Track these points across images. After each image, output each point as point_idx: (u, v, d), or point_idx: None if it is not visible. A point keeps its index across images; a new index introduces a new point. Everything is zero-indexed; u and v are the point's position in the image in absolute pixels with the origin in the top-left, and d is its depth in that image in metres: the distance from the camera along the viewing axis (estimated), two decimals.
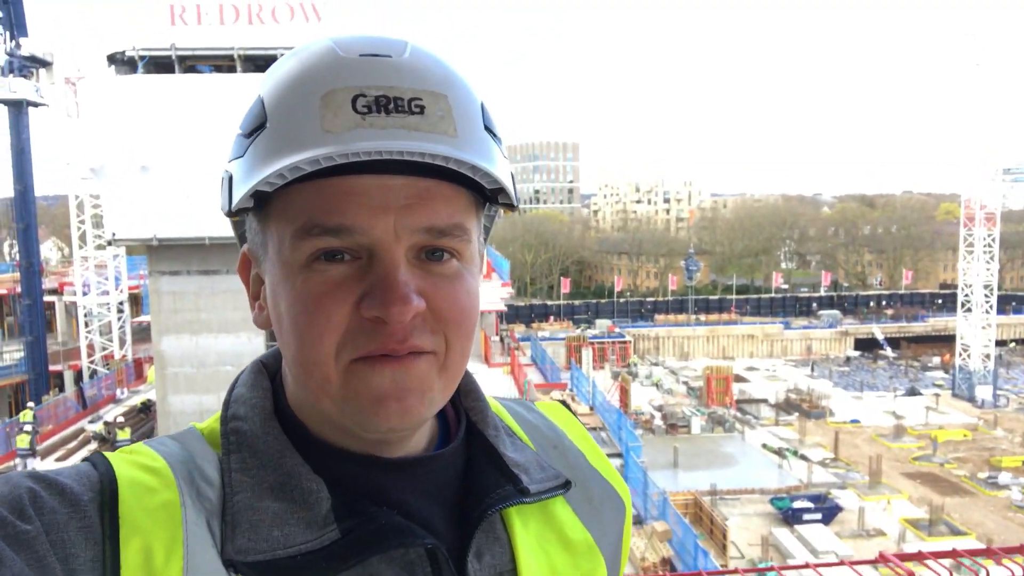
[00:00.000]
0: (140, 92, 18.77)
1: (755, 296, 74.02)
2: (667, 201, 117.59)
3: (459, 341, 0.72)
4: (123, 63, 19.30)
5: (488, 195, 0.74)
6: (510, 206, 0.76)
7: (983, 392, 45.41)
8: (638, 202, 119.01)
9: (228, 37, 19.17)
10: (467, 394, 0.86)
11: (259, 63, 19.74)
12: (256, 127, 0.69)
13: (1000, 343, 52.42)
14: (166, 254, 19.80)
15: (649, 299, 72.72)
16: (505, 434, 0.86)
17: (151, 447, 0.73)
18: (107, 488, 0.65)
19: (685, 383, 49.84)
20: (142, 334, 34.47)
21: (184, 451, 0.73)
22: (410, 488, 0.75)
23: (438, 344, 0.70)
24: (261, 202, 0.69)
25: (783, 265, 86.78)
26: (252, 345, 20.07)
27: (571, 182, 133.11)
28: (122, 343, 35.56)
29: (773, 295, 73.56)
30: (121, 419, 24.36)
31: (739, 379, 49.25)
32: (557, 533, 0.83)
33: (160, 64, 19.34)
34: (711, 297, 73.09)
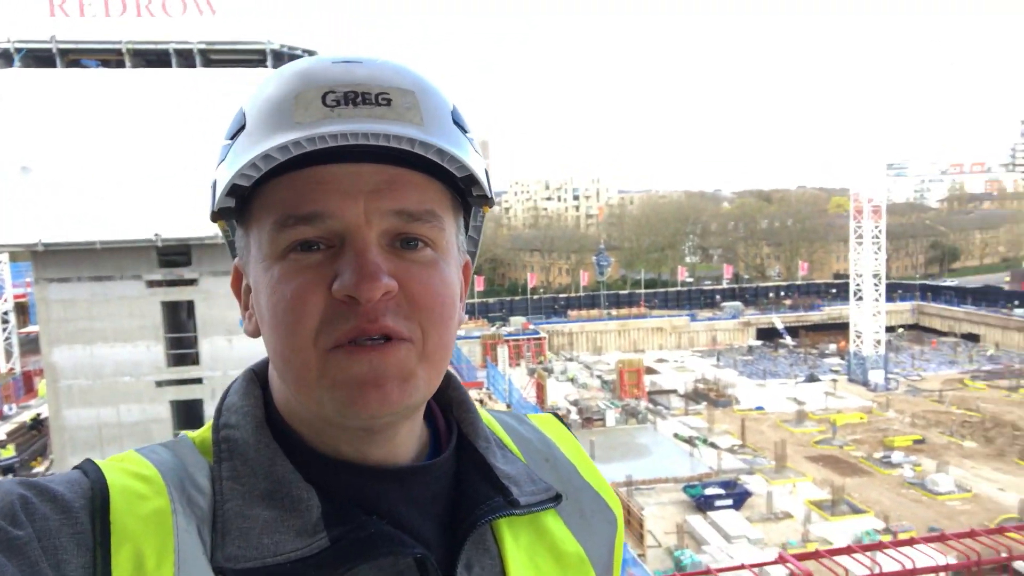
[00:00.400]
0: (18, 87, 17.42)
1: (662, 290, 76.00)
2: (576, 198, 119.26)
3: (435, 328, 0.71)
4: None
5: (461, 188, 0.74)
6: (486, 200, 0.77)
7: (876, 376, 48.09)
8: (548, 199, 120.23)
9: (115, 30, 18.01)
10: (458, 405, 0.87)
11: (150, 58, 18.69)
12: (236, 132, 0.72)
13: (889, 329, 55.64)
14: (53, 260, 18.51)
15: (562, 295, 73.56)
16: (496, 446, 0.86)
17: (142, 455, 0.73)
18: (98, 495, 0.66)
19: (599, 377, 50.65)
20: (31, 345, 32.29)
21: (175, 459, 0.73)
22: (400, 497, 0.75)
23: (413, 331, 0.70)
24: (242, 203, 0.72)
25: (687, 259, 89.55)
26: (151, 354, 19.04)
27: None
28: (8, 355, 33.20)
29: (679, 288, 75.73)
30: (2, 437, 22.68)
31: (650, 371, 50.46)
32: (548, 546, 0.83)
33: (40, 58, 18.03)
34: (621, 292, 74.59)
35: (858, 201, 52.01)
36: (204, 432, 0.77)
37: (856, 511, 29.13)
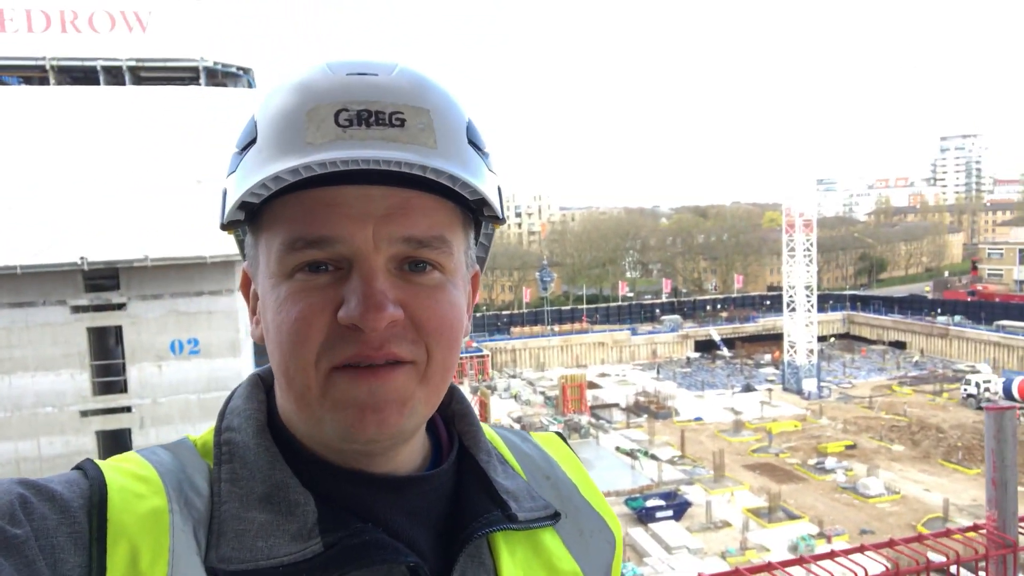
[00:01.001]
0: None
1: (604, 305, 76.92)
2: (519, 215, 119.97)
3: (440, 352, 0.71)
4: None
5: (473, 208, 0.74)
6: (497, 219, 0.77)
7: (809, 385, 49.56)
8: None
9: (39, 45, 17.48)
10: (461, 418, 0.87)
11: (76, 75, 18.19)
12: (248, 143, 0.72)
13: (821, 339, 57.48)
14: None
15: (505, 312, 73.75)
16: (497, 461, 0.86)
17: (142, 456, 0.73)
18: (96, 494, 0.66)
19: (542, 393, 50.86)
20: None
21: (175, 461, 0.74)
22: (397, 507, 0.75)
23: (418, 354, 0.70)
24: (252, 216, 0.72)
25: (628, 274, 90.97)
26: (76, 383, 18.37)
27: None
28: None
29: (620, 303, 76.83)
30: None
31: (592, 386, 50.93)
32: (545, 563, 0.83)
33: None
34: (564, 308, 75.24)
35: (790, 215, 53.77)
36: (206, 435, 0.78)
37: (792, 517, 29.88)
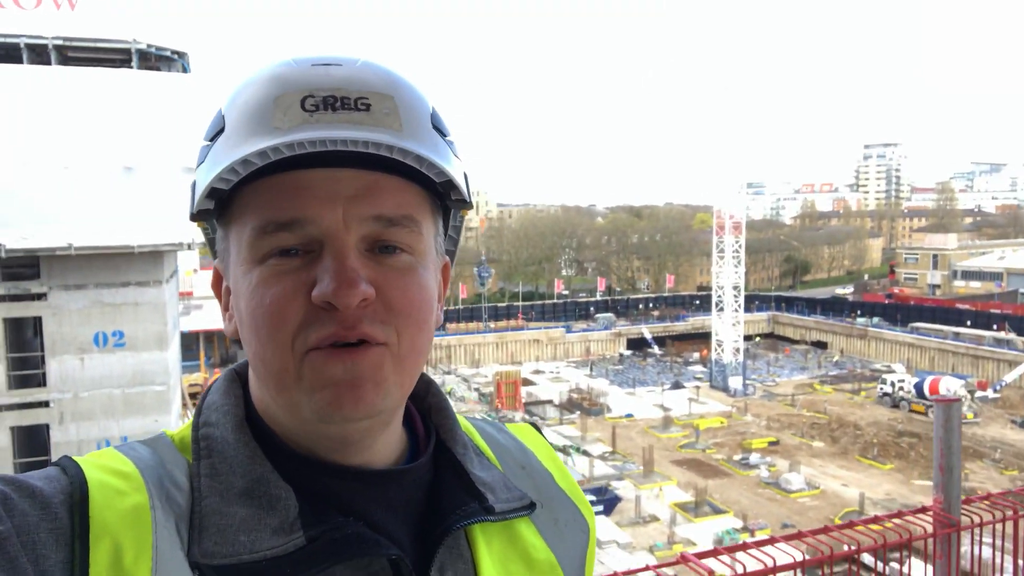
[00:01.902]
0: None
1: (540, 302, 77.48)
2: None
3: (409, 332, 0.72)
4: None
5: (440, 192, 0.75)
6: (465, 203, 0.78)
7: (735, 382, 51.06)
8: None
9: None
10: (437, 411, 0.87)
11: None
12: (216, 133, 0.73)
13: (747, 338, 59.21)
14: None
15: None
16: (473, 453, 0.86)
17: (120, 452, 0.73)
18: (77, 491, 0.66)
19: (477, 389, 50.95)
20: None
21: (154, 456, 0.73)
22: (377, 500, 0.75)
23: (390, 335, 0.71)
24: (221, 205, 0.72)
25: (564, 272, 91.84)
26: None
27: None
28: None
29: (556, 301, 77.51)
30: None
31: (527, 382, 51.30)
32: (521, 553, 0.84)
33: None
34: (500, 304, 75.43)
35: (720, 217, 55.18)
36: (184, 431, 0.78)
37: (717, 511, 30.79)
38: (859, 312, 69.75)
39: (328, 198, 0.69)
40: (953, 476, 2.36)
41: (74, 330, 18.10)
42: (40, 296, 17.94)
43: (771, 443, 39.64)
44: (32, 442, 18.33)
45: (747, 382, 51.86)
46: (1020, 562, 2.37)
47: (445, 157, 0.73)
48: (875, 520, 2.38)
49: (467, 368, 59.06)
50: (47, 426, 18.21)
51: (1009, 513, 2.38)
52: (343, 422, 0.71)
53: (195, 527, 0.69)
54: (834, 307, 72.99)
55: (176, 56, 19.16)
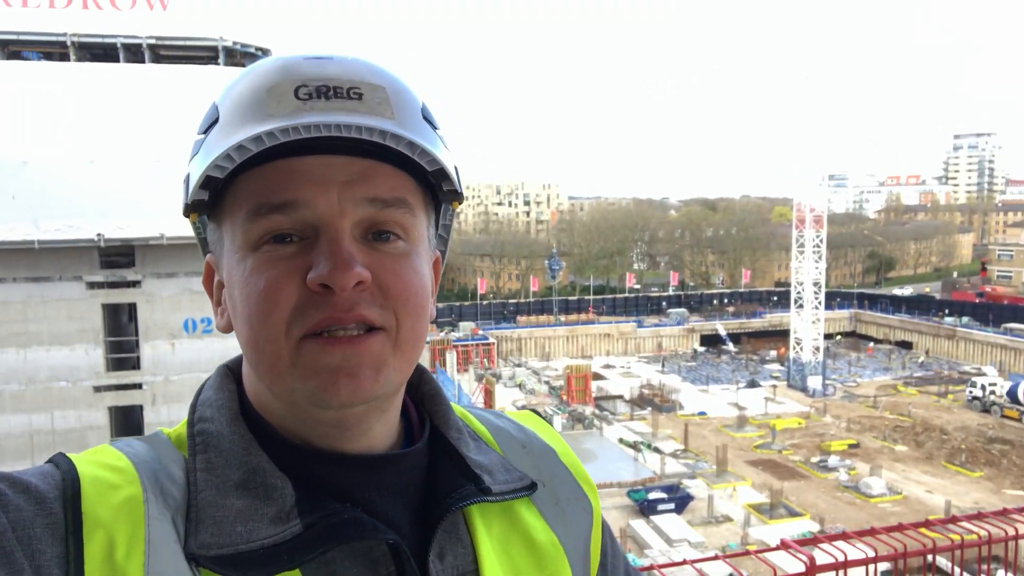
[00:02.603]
0: None
1: (611, 296, 76.94)
2: (527, 203, 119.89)
3: (408, 318, 0.72)
4: None
5: (432, 182, 0.76)
6: (456, 195, 0.78)
7: (814, 382, 49.53)
8: (499, 204, 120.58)
9: (60, 21, 17.55)
10: (431, 399, 0.87)
11: (96, 51, 18.25)
12: (210, 125, 0.73)
13: (827, 336, 57.38)
14: None
15: (512, 301, 73.85)
16: (469, 437, 0.86)
17: (116, 448, 0.73)
18: (70, 486, 0.66)
19: (547, 383, 51.00)
20: None
21: (150, 452, 0.74)
22: (374, 486, 0.75)
23: (387, 320, 0.71)
24: (216, 199, 0.72)
25: (635, 266, 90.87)
26: (90, 359, 18.55)
27: None
28: None
29: (627, 295, 76.81)
30: None
31: (597, 377, 51.02)
32: (522, 535, 0.84)
33: None
34: (570, 298, 75.25)
35: (800, 211, 53.50)
36: (180, 428, 0.79)
37: (793, 514, 29.98)
38: (947, 311, 66.68)
39: (322, 182, 0.69)
40: None
41: (165, 316, 18.95)
42: (135, 283, 18.86)
43: (851, 446, 38.35)
44: (128, 422, 19.31)
45: (827, 382, 50.26)
46: None
47: (436, 146, 0.73)
48: (952, 520, 2.26)
49: (537, 361, 59.16)
50: (141, 407, 19.14)
51: None
52: (339, 408, 0.71)
53: (192, 520, 0.69)
54: (920, 306, 70.00)
55: (260, 52, 19.77)
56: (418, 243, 0.75)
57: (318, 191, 0.69)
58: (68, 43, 17.62)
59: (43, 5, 17.53)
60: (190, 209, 0.74)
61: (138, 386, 19.10)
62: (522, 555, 0.82)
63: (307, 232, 0.70)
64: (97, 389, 18.86)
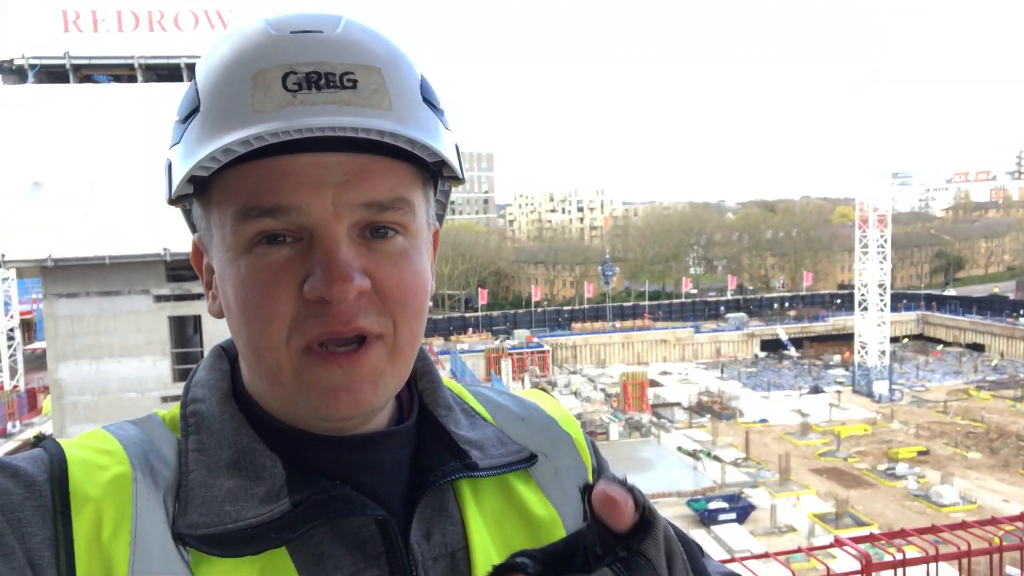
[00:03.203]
0: (31, 103, 17.70)
1: (667, 301, 76.01)
2: (580, 210, 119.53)
3: (407, 322, 0.71)
4: (12, 72, 18.16)
5: (432, 168, 0.73)
6: (456, 178, 0.76)
7: (880, 387, 47.97)
8: (552, 211, 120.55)
9: (127, 45, 18.29)
10: (422, 376, 0.86)
11: (161, 72, 18.95)
12: (191, 112, 0.69)
13: (894, 339, 55.59)
14: (62, 275, 18.71)
15: (566, 308, 73.62)
16: (461, 414, 0.86)
17: (108, 431, 0.73)
18: (57, 467, 0.66)
19: (603, 390, 50.63)
20: (36, 362, 32.51)
21: (143, 434, 0.73)
22: (364, 464, 0.75)
23: (385, 326, 0.70)
24: (201, 187, 0.70)
25: (692, 270, 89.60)
26: (157, 370, 19.21)
27: (486, 192, 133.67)
28: (13, 373, 33.35)
29: (683, 300, 75.76)
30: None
31: (654, 384, 50.40)
32: (517, 509, 0.82)
33: (53, 73, 18.30)
34: (625, 304, 74.61)
35: (863, 211, 52.00)
36: (174, 410, 0.79)
37: (860, 523, 29.04)
38: (1022, 311, 63.83)
39: (315, 185, 0.66)
40: None
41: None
42: (199, 296, 19.48)
43: (920, 453, 37.01)
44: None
45: (893, 387, 48.62)
46: None
47: (436, 133, 0.70)
48: (992, 522, 2.14)
49: (593, 368, 58.82)
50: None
51: None
52: (340, 421, 0.72)
53: (181, 500, 0.68)
54: (992, 306, 67.10)
55: None
56: (417, 235, 0.73)
57: (312, 195, 0.66)
58: (135, 65, 18.33)
59: (112, 30, 18.29)
60: (175, 201, 0.72)
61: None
62: (517, 529, 0.81)
63: (301, 234, 0.67)
64: (164, 399, 19.52)
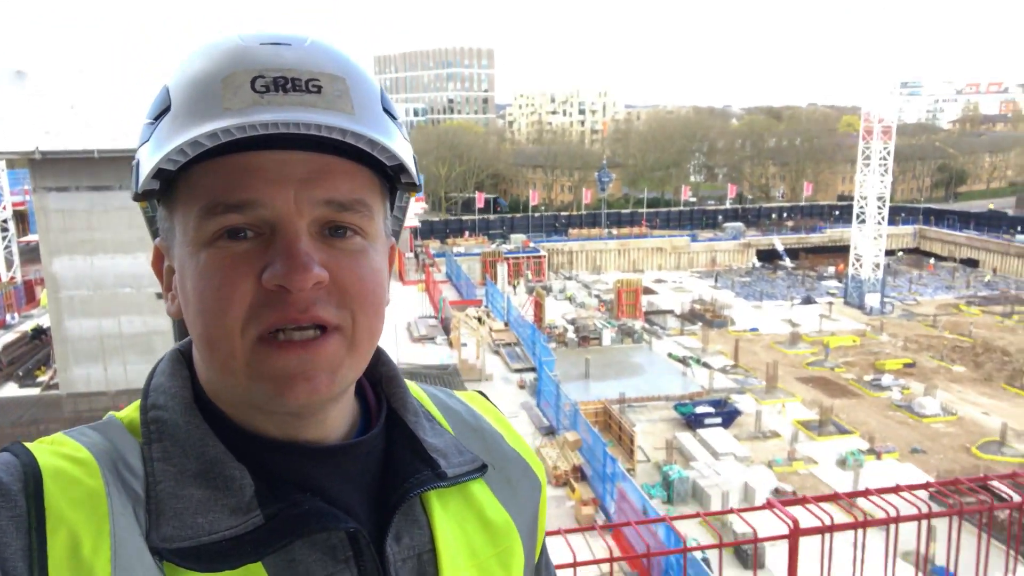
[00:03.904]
0: None
1: (664, 209, 75.60)
2: (582, 112, 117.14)
3: (365, 316, 0.73)
4: None
5: (391, 175, 0.76)
6: (413, 186, 0.79)
7: (872, 300, 48.44)
8: (553, 113, 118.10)
9: None
10: (388, 381, 0.88)
11: None
12: (161, 112, 0.71)
13: (889, 252, 55.72)
14: (51, 168, 18.41)
15: (563, 213, 73.22)
16: (425, 419, 0.88)
17: (72, 438, 0.72)
18: (32, 478, 0.65)
19: (597, 296, 51.05)
20: (31, 254, 32.40)
21: (106, 441, 0.73)
22: (331, 475, 0.76)
23: (344, 319, 0.71)
24: (167, 185, 0.71)
25: (692, 178, 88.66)
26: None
27: (486, 91, 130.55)
28: (9, 264, 33.32)
29: (682, 208, 75.34)
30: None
31: (648, 291, 50.83)
32: (476, 514, 0.86)
33: None
34: (623, 211, 74.20)
35: (868, 121, 50.92)
36: (132, 413, 0.78)
37: (842, 431, 29.93)
38: (1019, 228, 63.71)
39: (279, 180, 0.68)
40: None
41: None
42: None
43: (906, 365, 37.76)
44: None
45: (885, 300, 49.09)
46: None
47: (395, 139, 0.73)
48: (984, 479, 2.16)
49: (588, 274, 59.11)
50: None
51: None
52: (295, 410, 0.72)
53: (152, 512, 0.68)
54: (991, 222, 66.98)
55: None
56: (375, 238, 0.75)
57: (275, 190, 0.68)
58: None
59: None
60: (140, 197, 0.73)
61: None
62: (477, 533, 0.85)
63: (263, 229, 0.69)
64: (159, 296, 19.55)
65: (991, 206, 77.44)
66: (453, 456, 0.84)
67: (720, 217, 73.18)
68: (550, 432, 23.84)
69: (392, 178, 0.77)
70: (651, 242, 63.37)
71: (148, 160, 0.69)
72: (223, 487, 0.71)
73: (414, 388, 0.92)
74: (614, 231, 66.17)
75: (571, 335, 41.44)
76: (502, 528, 0.86)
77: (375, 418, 0.84)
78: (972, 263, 61.93)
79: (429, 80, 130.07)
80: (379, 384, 0.87)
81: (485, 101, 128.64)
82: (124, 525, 0.66)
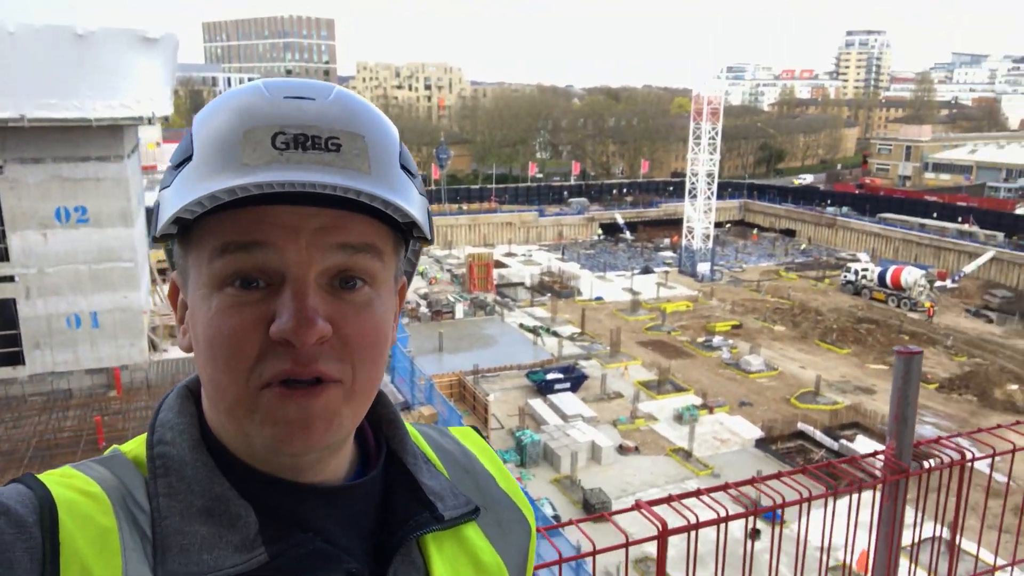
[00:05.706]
0: None
1: (513, 185, 76.90)
2: (428, 88, 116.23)
3: (365, 369, 0.74)
4: None
5: (403, 229, 0.76)
6: (424, 239, 0.79)
7: (703, 268, 51.96)
8: (399, 87, 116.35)
9: None
10: (388, 423, 0.89)
11: None
12: (184, 159, 0.72)
13: (718, 225, 59.81)
14: None
15: None
16: (422, 462, 0.88)
17: (81, 471, 0.74)
18: (47, 514, 0.67)
19: (449, 271, 51.31)
20: None
21: (114, 477, 0.74)
22: (331, 516, 0.77)
23: (345, 372, 0.72)
24: (184, 230, 0.72)
25: (538, 155, 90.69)
26: None
27: (327, 63, 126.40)
28: None
29: (529, 184, 76.97)
30: None
31: (499, 264, 51.71)
32: (470, 556, 0.87)
33: None
34: (472, 187, 74.71)
35: (699, 102, 54.28)
36: (138, 448, 0.79)
37: (679, 389, 32.09)
38: (829, 201, 70.38)
39: (293, 228, 0.69)
40: (907, 426, 2.45)
41: (34, 204, 17.71)
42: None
43: (734, 327, 40.90)
44: (2, 316, 18.30)
45: (715, 268, 52.80)
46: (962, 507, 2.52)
47: (410, 197, 0.74)
48: (828, 465, 2.49)
49: (439, 250, 59.23)
50: (14, 300, 18.14)
51: (957, 457, 2.50)
52: (292, 457, 0.74)
53: (158, 548, 0.70)
54: (805, 196, 73.53)
55: None
56: (383, 285, 0.76)
57: (288, 237, 0.69)
58: None
59: None
60: (159, 239, 0.74)
61: (10, 279, 18.03)
62: (470, 573, 0.86)
63: (273, 279, 0.70)
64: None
65: (797, 182, 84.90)
66: (449, 499, 0.85)
67: (565, 193, 75.45)
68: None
69: (405, 232, 0.77)
70: (501, 217, 64.39)
71: (168, 206, 0.70)
72: (228, 524, 0.72)
73: (411, 430, 0.94)
74: (464, 206, 66.56)
75: (424, 310, 41.48)
76: (494, 570, 0.88)
77: (374, 459, 0.86)
78: (790, 233, 67.79)
79: (264, 50, 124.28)
80: (379, 426, 0.89)
81: (326, 73, 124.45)
82: (135, 562, 0.67)
